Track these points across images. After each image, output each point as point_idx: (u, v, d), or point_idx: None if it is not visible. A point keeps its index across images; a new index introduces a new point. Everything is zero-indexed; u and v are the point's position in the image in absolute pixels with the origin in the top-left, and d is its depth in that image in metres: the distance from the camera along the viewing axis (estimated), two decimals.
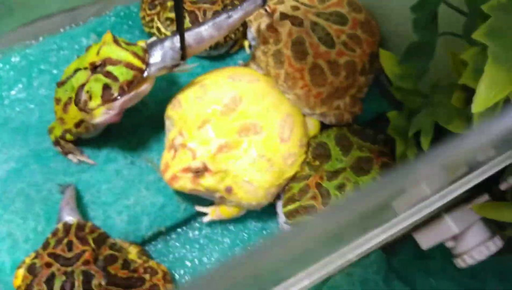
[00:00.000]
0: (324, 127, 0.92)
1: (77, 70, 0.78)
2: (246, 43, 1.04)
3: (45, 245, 0.71)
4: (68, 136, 0.86)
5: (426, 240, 0.68)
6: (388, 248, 0.87)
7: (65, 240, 0.70)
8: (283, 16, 0.90)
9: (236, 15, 0.78)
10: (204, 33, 0.79)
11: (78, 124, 0.83)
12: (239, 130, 0.80)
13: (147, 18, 1.00)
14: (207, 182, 0.77)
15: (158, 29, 0.99)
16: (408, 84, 0.81)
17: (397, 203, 0.58)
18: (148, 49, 0.76)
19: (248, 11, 0.79)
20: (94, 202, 0.85)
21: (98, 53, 0.74)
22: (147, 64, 0.75)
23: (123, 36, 1.03)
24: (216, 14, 0.81)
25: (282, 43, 0.89)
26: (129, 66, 0.73)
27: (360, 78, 0.94)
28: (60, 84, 0.82)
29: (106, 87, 0.73)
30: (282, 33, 0.90)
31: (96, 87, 0.74)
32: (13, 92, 0.95)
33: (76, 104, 0.76)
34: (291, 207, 0.80)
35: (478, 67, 0.62)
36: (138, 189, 0.87)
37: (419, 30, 0.77)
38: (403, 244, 0.85)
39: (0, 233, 0.81)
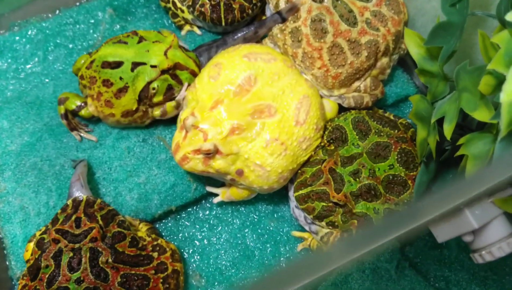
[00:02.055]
0: (342, 110, 0.88)
1: (139, 64, 0.82)
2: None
3: (54, 221, 0.71)
4: (84, 112, 0.86)
5: (442, 233, 0.65)
6: (402, 237, 0.84)
7: (74, 217, 0.70)
8: None
9: (261, 31, 0.91)
10: (235, 44, 0.91)
11: (125, 114, 0.84)
12: (253, 112, 0.77)
13: None
14: (218, 164, 0.76)
15: (174, 4, 0.96)
16: (433, 66, 0.76)
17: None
18: (198, 56, 0.89)
19: (270, 27, 0.90)
20: (105, 179, 0.85)
21: (165, 54, 0.82)
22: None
23: (139, 10, 1.01)
24: (245, 28, 0.91)
25: (300, 20, 0.85)
26: (193, 73, 0.85)
27: (383, 59, 0.89)
28: (109, 65, 0.82)
29: (170, 88, 0.84)
30: (301, 9, 0.85)
31: (162, 86, 0.83)
32: (28, 66, 0.95)
33: (141, 97, 0.83)
34: (302, 191, 0.77)
35: (510, 52, 0.57)
36: (149, 167, 0.86)
37: (448, 9, 0.72)
38: (418, 233, 0.82)
39: (13, 206, 0.82)
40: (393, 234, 0.50)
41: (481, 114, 0.64)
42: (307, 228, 0.82)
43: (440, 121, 0.70)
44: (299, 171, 0.81)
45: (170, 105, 0.86)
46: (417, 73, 0.79)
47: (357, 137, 0.81)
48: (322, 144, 0.83)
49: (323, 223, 0.77)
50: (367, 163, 0.77)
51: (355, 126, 0.82)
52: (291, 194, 0.82)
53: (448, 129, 0.67)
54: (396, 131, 0.81)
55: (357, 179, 0.76)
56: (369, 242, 0.42)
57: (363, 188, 0.75)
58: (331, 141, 0.82)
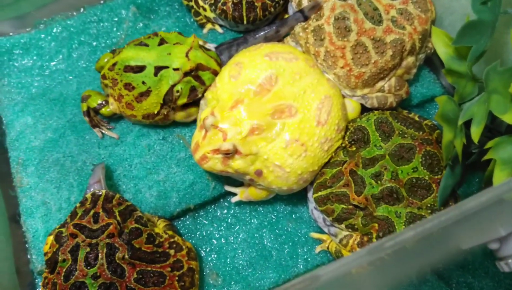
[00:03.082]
0: (365, 110, 0.86)
1: (162, 68, 0.82)
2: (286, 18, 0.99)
3: (73, 215, 0.72)
4: (104, 111, 0.87)
5: (467, 240, 0.62)
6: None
7: (92, 212, 0.71)
8: None
9: (283, 30, 0.90)
10: (257, 44, 0.90)
11: (146, 116, 0.85)
12: (273, 112, 0.76)
13: None
14: (237, 164, 0.75)
15: (196, 2, 0.96)
16: (462, 67, 0.73)
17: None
18: (218, 55, 0.89)
19: (292, 26, 0.89)
20: (125, 176, 0.86)
21: (187, 56, 0.82)
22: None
23: (162, 8, 1.01)
24: (267, 27, 0.91)
25: (323, 18, 0.84)
26: (214, 73, 0.84)
27: (409, 58, 0.86)
28: (131, 70, 0.83)
29: (193, 89, 0.84)
30: (324, 7, 0.84)
31: (186, 88, 0.83)
32: (53, 63, 0.96)
33: (165, 100, 0.83)
34: (322, 193, 0.76)
35: None
36: (169, 165, 0.86)
37: (479, 7, 0.69)
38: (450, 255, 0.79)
39: (35, 201, 0.83)
40: (426, 259, 0.48)
41: None
42: (326, 230, 0.81)
43: (467, 123, 0.67)
44: (319, 172, 0.79)
45: (193, 109, 0.87)
46: (444, 73, 0.76)
47: (380, 138, 0.78)
48: (343, 145, 0.81)
49: (343, 226, 0.75)
50: (390, 165, 0.75)
51: (378, 127, 0.80)
52: (310, 195, 0.81)
53: (475, 132, 0.64)
54: (421, 132, 0.79)
55: (379, 182, 0.74)
56: (402, 269, 0.41)
57: (385, 191, 0.73)
58: (353, 142, 0.80)
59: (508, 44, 0.73)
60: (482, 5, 0.68)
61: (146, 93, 0.83)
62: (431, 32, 0.78)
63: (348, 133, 0.82)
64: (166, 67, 0.82)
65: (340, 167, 0.76)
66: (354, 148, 0.79)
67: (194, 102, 0.86)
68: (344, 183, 0.74)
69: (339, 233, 0.78)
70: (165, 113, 0.85)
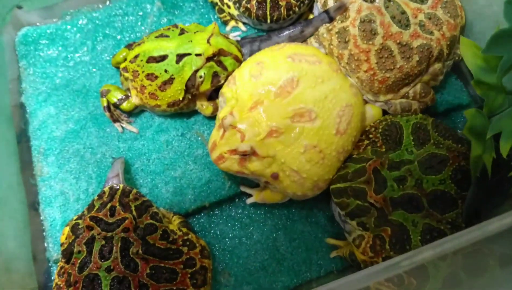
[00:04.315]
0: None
1: (184, 55, 0.83)
2: (311, 18, 0.97)
3: (90, 207, 0.73)
4: (125, 106, 0.88)
5: None
6: None
7: (109, 205, 0.72)
8: None
9: (307, 30, 0.89)
10: (280, 42, 0.90)
11: (172, 104, 0.85)
12: (292, 115, 0.75)
13: None
14: (254, 166, 0.74)
15: None
16: (491, 78, 0.71)
17: None
18: (240, 46, 0.89)
19: (317, 26, 0.88)
20: (143, 170, 0.86)
21: (208, 42, 0.82)
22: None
23: (186, 4, 1.01)
24: (291, 27, 0.90)
25: (349, 20, 0.82)
26: (236, 58, 0.85)
27: (436, 65, 0.84)
28: (154, 60, 0.84)
29: (215, 75, 0.84)
30: (350, 9, 0.82)
31: (208, 74, 0.83)
32: (77, 55, 0.97)
33: (188, 87, 0.84)
34: (340, 185, 0.74)
35: None
36: (186, 162, 0.86)
37: (511, 15, 0.66)
38: None
39: (54, 191, 0.85)
40: None
41: None
42: (342, 225, 0.80)
43: (496, 137, 0.65)
44: (342, 165, 0.78)
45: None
46: (473, 84, 0.74)
47: (413, 143, 0.76)
48: (374, 139, 0.79)
49: (354, 222, 0.74)
50: (416, 173, 0.73)
51: (414, 131, 0.77)
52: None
53: (505, 146, 0.62)
54: (459, 146, 0.76)
55: (401, 186, 0.72)
56: None
57: (405, 196, 0.71)
58: (384, 137, 0.78)
59: None
60: None
61: (169, 81, 0.83)
62: (460, 42, 0.75)
63: (382, 124, 0.80)
64: (188, 54, 0.82)
65: (365, 164, 0.75)
66: (384, 149, 0.77)
67: (217, 88, 0.86)
68: (365, 180, 0.73)
69: (353, 232, 0.76)
70: (189, 97, 0.86)
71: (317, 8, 0.91)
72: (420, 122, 0.78)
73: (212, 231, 0.85)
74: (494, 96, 0.70)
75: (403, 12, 0.81)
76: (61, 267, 0.71)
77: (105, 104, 0.89)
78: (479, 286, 0.62)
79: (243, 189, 0.85)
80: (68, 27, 0.99)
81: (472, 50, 0.73)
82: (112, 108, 0.89)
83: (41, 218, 0.85)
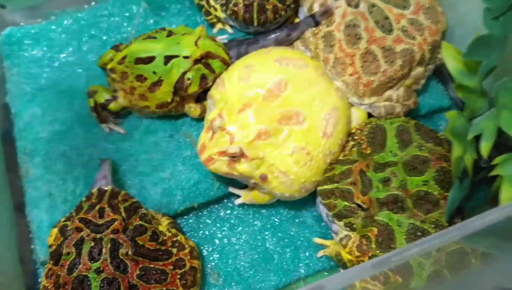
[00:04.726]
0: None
1: (171, 57, 0.83)
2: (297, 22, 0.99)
3: (78, 209, 0.73)
4: (113, 106, 0.87)
5: None
6: None
7: (98, 207, 0.71)
8: None
9: (293, 34, 0.90)
10: (267, 45, 0.91)
11: (160, 106, 0.86)
12: (281, 117, 0.76)
13: None
14: (242, 167, 0.75)
15: (208, 1, 0.96)
16: (472, 82, 0.74)
17: None
18: (227, 48, 0.89)
19: (303, 30, 0.89)
20: (131, 172, 0.86)
21: (196, 44, 0.83)
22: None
23: (173, 6, 1.02)
24: (278, 30, 0.91)
25: (334, 25, 0.84)
26: (224, 61, 0.85)
27: (418, 69, 0.87)
28: (142, 61, 0.84)
29: (203, 77, 0.84)
30: (336, 13, 0.84)
31: (196, 76, 0.84)
32: (63, 55, 0.96)
33: (176, 89, 0.84)
34: (327, 186, 0.76)
35: None
36: (174, 163, 0.86)
37: (490, 22, 0.69)
38: None
39: (41, 192, 0.84)
40: None
41: None
42: (329, 225, 0.81)
43: (477, 138, 0.67)
44: (329, 167, 0.80)
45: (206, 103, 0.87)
46: (454, 88, 0.76)
47: (397, 145, 0.79)
48: (359, 141, 0.81)
49: (341, 223, 0.76)
50: (400, 174, 0.75)
51: (398, 133, 0.80)
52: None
53: (485, 148, 0.65)
54: (441, 148, 0.79)
55: (386, 187, 0.74)
56: None
57: (390, 197, 0.73)
58: (370, 140, 0.80)
59: None
60: (494, 20, 0.69)
61: (158, 83, 0.84)
62: (441, 47, 0.78)
63: (368, 127, 0.82)
64: (176, 56, 0.83)
65: (351, 166, 0.77)
66: (369, 151, 0.79)
67: (205, 90, 0.87)
68: (352, 181, 0.75)
69: (340, 232, 0.78)
70: (178, 100, 0.86)
71: (303, 12, 0.93)
72: (403, 125, 0.81)
73: (201, 232, 0.86)
74: (474, 99, 0.73)
75: (387, 18, 0.84)
76: (49, 269, 0.71)
77: (92, 104, 0.88)
78: (462, 283, 0.65)
79: (232, 190, 0.86)
80: (53, 27, 0.98)
81: (453, 55, 0.76)
82: (100, 109, 0.88)
83: (28, 220, 0.83)
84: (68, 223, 0.71)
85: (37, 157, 0.86)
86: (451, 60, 0.77)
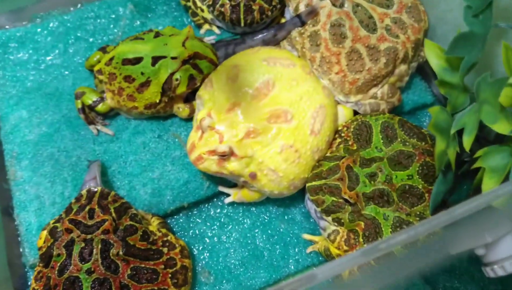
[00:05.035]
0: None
1: (159, 58, 0.83)
2: (283, 22, 1.00)
3: (68, 210, 0.72)
4: (100, 108, 0.87)
5: (455, 245, 0.64)
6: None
7: (87, 208, 0.71)
8: None
9: (280, 34, 0.91)
10: (254, 46, 0.92)
11: (148, 106, 0.86)
12: (269, 116, 0.77)
13: None
14: (232, 166, 0.76)
15: (194, 3, 0.97)
16: (454, 78, 0.76)
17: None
18: (215, 49, 0.90)
19: (290, 30, 0.90)
20: (120, 173, 0.86)
21: (184, 45, 0.83)
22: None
23: (159, 7, 1.02)
24: (264, 30, 0.92)
25: (319, 24, 0.85)
26: (211, 61, 0.86)
27: (402, 66, 0.89)
28: (129, 62, 0.84)
29: (191, 77, 0.85)
30: (321, 13, 0.86)
31: (184, 76, 0.84)
32: (49, 58, 0.96)
33: (164, 89, 0.84)
34: (316, 183, 0.77)
35: None
36: (163, 163, 0.87)
37: (471, 19, 0.71)
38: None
39: (29, 195, 0.83)
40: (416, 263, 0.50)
41: (501, 127, 0.63)
42: (317, 222, 0.83)
43: (459, 133, 0.69)
44: (317, 164, 0.81)
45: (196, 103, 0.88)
46: (437, 84, 0.78)
47: (382, 141, 0.80)
48: (346, 138, 0.83)
49: (330, 219, 0.77)
50: (386, 169, 0.77)
51: (383, 129, 0.82)
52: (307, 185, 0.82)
53: (467, 141, 0.66)
54: (424, 143, 0.81)
55: (372, 182, 0.76)
56: (392, 273, 0.42)
57: (377, 191, 0.75)
58: (356, 137, 0.82)
59: (499, 56, 0.76)
60: (474, 17, 0.71)
61: (146, 83, 0.84)
62: (424, 44, 0.80)
63: (354, 124, 0.84)
64: (164, 56, 0.83)
65: (338, 162, 0.78)
66: (355, 147, 0.81)
67: (194, 90, 0.87)
68: (339, 177, 0.76)
69: (328, 228, 0.80)
70: (166, 100, 0.86)
71: (289, 13, 0.94)
72: (388, 121, 0.83)
73: (191, 231, 0.86)
74: (456, 95, 0.75)
75: (371, 17, 0.85)
76: (39, 272, 0.70)
77: (79, 106, 0.88)
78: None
79: (221, 189, 0.86)
80: (39, 30, 0.98)
81: (435, 52, 0.78)
82: (87, 110, 0.88)
83: (16, 223, 0.83)
84: (58, 224, 0.71)
85: (24, 160, 0.86)
86: (434, 57, 0.79)
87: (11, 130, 0.88)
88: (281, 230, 0.86)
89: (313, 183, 0.78)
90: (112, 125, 0.91)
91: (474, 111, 0.67)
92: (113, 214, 0.72)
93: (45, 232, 0.73)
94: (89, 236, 0.69)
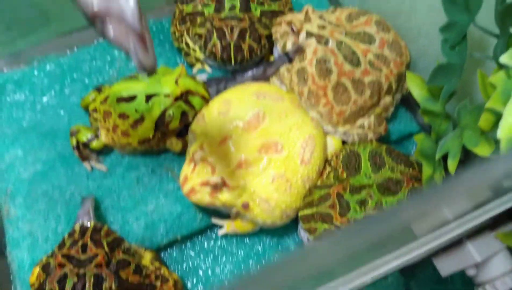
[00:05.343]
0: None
1: (152, 95, 0.86)
2: (272, 59, 1.05)
3: (61, 245, 0.72)
4: (95, 145, 0.89)
5: (446, 266, 0.65)
6: (407, 271, 0.84)
7: (80, 242, 0.71)
8: (309, 34, 0.91)
9: (269, 71, 0.95)
10: (245, 82, 0.95)
11: (142, 142, 0.88)
12: (260, 147, 0.80)
13: (177, 34, 1.03)
14: (225, 197, 0.77)
15: (187, 44, 1.01)
16: (436, 106, 0.79)
17: (417, 226, 0.56)
18: (207, 86, 0.93)
19: (278, 67, 0.94)
20: (113, 207, 0.87)
21: (176, 83, 0.86)
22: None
23: (154, 49, 1.06)
24: (254, 68, 0.96)
25: (306, 61, 0.90)
26: (203, 98, 0.88)
27: (386, 98, 0.92)
28: (124, 100, 0.87)
29: (184, 113, 0.87)
30: (307, 51, 0.90)
31: (177, 113, 0.86)
32: (45, 98, 0.99)
33: (158, 125, 0.87)
34: (307, 211, 0.78)
35: (506, 91, 0.60)
36: (157, 197, 0.87)
37: (448, 51, 0.76)
38: (422, 267, 0.81)
39: (22, 232, 0.83)
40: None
41: (483, 150, 0.66)
42: None
43: (444, 158, 0.72)
44: (308, 192, 0.82)
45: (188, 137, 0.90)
46: (420, 113, 0.82)
47: (371, 168, 0.82)
48: (336, 167, 0.84)
49: None
50: (375, 195, 0.78)
51: (371, 157, 0.84)
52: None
53: (452, 165, 0.69)
54: (411, 169, 0.83)
55: (363, 208, 0.77)
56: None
57: None
58: (345, 166, 0.83)
59: (476, 84, 0.80)
60: (451, 49, 0.75)
61: (140, 120, 0.86)
62: (406, 76, 0.84)
63: (342, 153, 0.86)
64: (157, 94, 0.86)
65: (328, 189, 0.79)
66: (345, 175, 0.83)
67: (186, 125, 0.90)
68: (330, 205, 0.77)
69: None
70: (159, 135, 0.88)
71: (277, 51, 0.99)
72: (376, 150, 0.85)
73: (184, 265, 0.86)
74: (439, 122, 0.78)
75: (354, 53, 0.90)
76: None
77: (74, 143, 0.90)
78: None
79: (215, 221, 0.87)
80: (35, 72, 1.01)
81: (417, 83, 0.82)
82: (82, 147, 0.90)
83: (8, 260, 0.82)
84: (50, 260, 0.71)
85: (18, 197, 0.86)
86: (416, 88, 0.83)
87: (6, 169, 0.89)
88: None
89: (305, 211, 0.79)
90: (105, 161, 0.92)
91: (457, 136, 0.70)
92: (106, 248, 0.72)
93: (37, 268, 0.72)
94: (82, 271, 0.68)
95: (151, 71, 0.51)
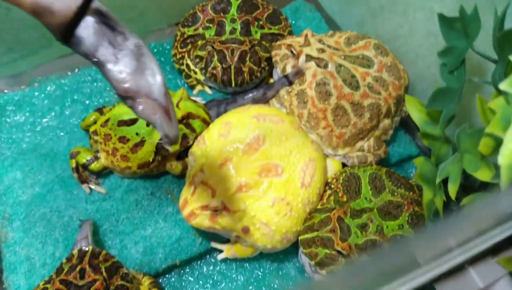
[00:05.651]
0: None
1: None
2: (272, 82, 1.06)
3: (59, 271, 0.71)
4: (94, 166, 0.89)
5: None
6: None
7: (78, 267, 0.70)
8: (309, 58, 0.92)
9: (269, 93, 0.96)
10: (245, 104, 0.96)
11: (142, 165, 0.88)
12: (260, 170, 0.79)
13: (178, 56, 1.04)
14: (225, 221, 0.77)
15: (188, 66, 1.02)
16: (435, 130, 0.80)
17: (420, 255, 0.56)
18: (207, 108, 0.94)
19: (278, 89, 0.95)
20: (112, 231, 0.86)
21: (177, 106, 0.87)
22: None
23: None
24: (254, 90, 0.97)
25: (306, 84, 0.90)
26: (204, 120, 0.90)
27: (385, 121, 0.93)
28: (125, 123, 0.87)
29: (184, 136, 0.88)
30: (307, 73, 0.91)
31: None
32: (45, 120, 0.99)
33: (158, 149, 0.87)
34: (308, 235, 0.78)
35: (506, 117, 0.60)
36: (156, 221, 0.87)
37: (447, 76, 0.76)
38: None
39: (19, 256, 0.82)
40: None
41: (483, 174, 0.66)
42: (311, 276, 0.82)
43: (445, 182, 0.71)
44: (308, 216, 0.81)
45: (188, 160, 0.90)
46: (420, 136, 0.82)
47: (371, 192, 0.82)
48: (337, 190, 0.84)
49: (323, 272, 0.77)
50: (376, 219, 0.78)
51: (371, 181, 0.84)
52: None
53: (452, 189, 0.68)
54: (411, 193, 0.83)
55: (364, 233, 0.76)
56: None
57: (369, 243, 0.75)
58: (346, 189, 0.83)
59: (475, 108, 0.81)
60: (450, 74, 0.76)
61: (140, 144, 0.86)
62: (405, 99, 0.85)
63: (342, 176, 0.85)
64: None
65: (329, 213, 0.79)
66: (345, 198, 0.82)
67: (187, 148, 0.89)
68: (331, 229, 0.77)
69: None
70: (159, 159, 0.88)
71: (277, 73, 0.99)
72: (376, 173, 0.85)
73: None
74: (439, 146, 0.78)
75: (353, 76, 0.91)
76: None
77: (74, 165, 0.89)
78: None
79: (214, 245, 0.86)
80: (36, 93, 1.01)
81: (416, 106, 0.82)
82: (81, 170, 0.90)
83: (4, 286, 0.81)
84: (48, 286, 0.70)
85: (16, 220, 0.85)
86: (415, 111, 0.83)
87: (5, 191, 0.89)
88: (275, 286, 0.85)
89: (306, 235, 0.78)
90: (105, 184, 0.92)
91: (457, 161, 0.70)
92: (104, 274, 0.71)
93: None
94: None
95: (174, 142, 0.53)
